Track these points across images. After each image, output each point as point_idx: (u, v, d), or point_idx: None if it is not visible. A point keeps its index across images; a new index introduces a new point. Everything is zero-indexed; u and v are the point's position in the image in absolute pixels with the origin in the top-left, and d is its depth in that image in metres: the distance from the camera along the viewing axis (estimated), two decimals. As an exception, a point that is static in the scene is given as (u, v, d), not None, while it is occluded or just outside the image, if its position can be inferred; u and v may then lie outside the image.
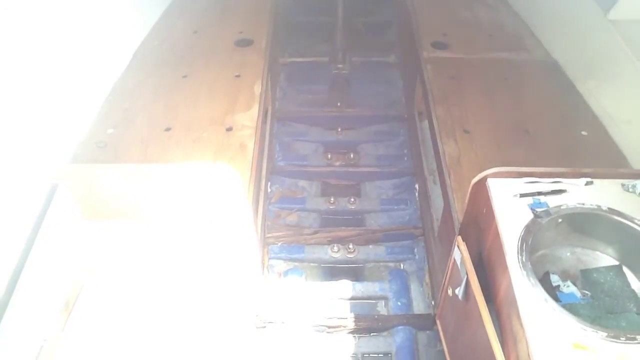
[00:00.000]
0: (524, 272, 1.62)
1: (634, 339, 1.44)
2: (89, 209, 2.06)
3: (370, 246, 2.98)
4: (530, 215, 1.76)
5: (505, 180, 1.87)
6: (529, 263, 1.63)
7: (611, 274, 1.79)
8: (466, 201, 2.02)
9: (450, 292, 2.15)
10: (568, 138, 2.53)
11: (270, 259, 2.91)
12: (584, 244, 1.87)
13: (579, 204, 1.81)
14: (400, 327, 2.56)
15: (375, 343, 2.56)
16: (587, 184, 1.86)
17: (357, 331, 2.58)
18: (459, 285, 1.95)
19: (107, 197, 2.04)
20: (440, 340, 2.42)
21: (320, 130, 3.73)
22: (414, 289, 2.77)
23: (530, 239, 1.70)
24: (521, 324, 1.52)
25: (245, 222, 2.18)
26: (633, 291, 1.73)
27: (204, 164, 2.13)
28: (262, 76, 2.91)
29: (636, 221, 1.74)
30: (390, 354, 2.53)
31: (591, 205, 1.80)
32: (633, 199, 1.81)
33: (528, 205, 1.79)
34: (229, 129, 2.52)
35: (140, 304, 1.88)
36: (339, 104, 3.90)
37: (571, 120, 2.63)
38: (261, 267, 2.76)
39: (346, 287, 2.74)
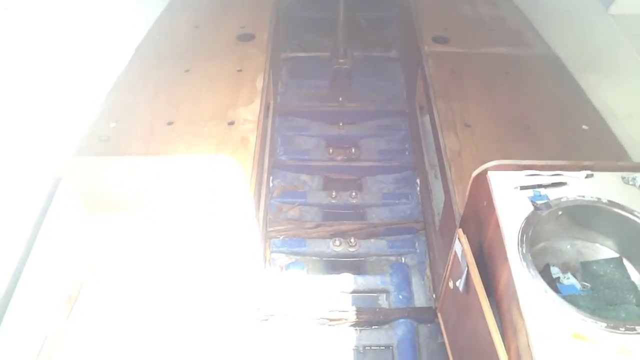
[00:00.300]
0: (524, 264, 1.63)
1: (633, 329, 1.46)
2: (92, 201, 2.08)
3: (372, 240, 2.99)
4: (530, 208, 1.77)
5: (505, 173, 1.88)
6: (529, 255, 1.65)
7: (611, 266, 1.80)
8: (467, 194, 2.03)
9: (451, 284, 2.16)
10: (569, 132, 2.54)
11: (272, 252, 2.92)
12: (584, 236, 1.88)
13: (579, 196, 1.82)
14: (401, 320, 2.58)
15: (377, 336, 2.57)
16: (587, 176, 1.87)
17: (359, 324, 2.59)
18: (460, 277, 1.97)
19: (110, 190, 2.05)
20: (441, 333, 2.44)
21: (321, 125, 3.75)
22: (415, 283, 2.79)
23: (531, 231, 1.71)
24: (521, 315, 1.53)
25: (248, 215, 2.19)
26: (633, 283, 1.74)
27: (207, 156, 2.14)
28: (263, 71, 2.91)
29: (636, 214, 1.75)
30: (392, 346, 2.54)
31: (591, 197, 1.81)
32: (633, 192, 1.82)
33: (528, 197, 1.80)
34: (231, 123, 2.53)
35: (142, 297, 1.89)
36: (340, 99, 3.91)
37: (572, 115, 2.63)
38: (263, 261, 2.78)
39: (348, 281, 2.75)
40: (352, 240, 2.96)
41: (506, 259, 1.66)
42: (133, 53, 3.05)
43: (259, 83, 2.82)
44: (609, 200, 1.79)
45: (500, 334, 1.69)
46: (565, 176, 1.87)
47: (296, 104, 3.88)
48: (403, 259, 2.94)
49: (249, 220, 2.23)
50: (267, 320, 2.57)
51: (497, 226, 1.77)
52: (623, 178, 1.87)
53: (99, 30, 2.64)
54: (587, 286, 1.74)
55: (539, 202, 1.79)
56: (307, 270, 2.83)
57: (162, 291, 1.91)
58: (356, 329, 2.59)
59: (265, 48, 3.13)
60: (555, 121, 2.60)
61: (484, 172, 1.90)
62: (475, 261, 1.91)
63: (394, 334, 2.55)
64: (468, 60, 3.08)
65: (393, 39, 4.46)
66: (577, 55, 2.93)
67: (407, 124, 3.70)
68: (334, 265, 2.94)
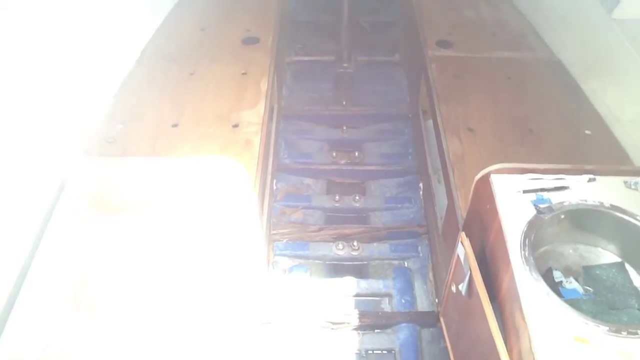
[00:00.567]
0: (527, 267, 1.63)
1: (635, 333, 1.46)
2: (98, 202, 2.09)
3: (375, 244, 3.00)
4: (533, 211, 1.78)
5: (508, 177, 1.89)
6: (532, 258, 1.65)
7: (613, 270, 1.80)
8: (470, 197, 2.03)
9: (453, 288, 2.17)
10: (571, 137, 2.54)
11: (275, 255, 2.93)
12: (586, 240, 1.89)
13: (581, 200, 1.82)
14: (404, 324, 2.58)
15: (379, 340, 2.58)
16: (589, 180, 1.88)
17: (361, 328, 2.60)
18: (463, 281, 1.97)
19: (116, 191, 2.06)
20: (443, 337, 2.44)
21: (325, 129, 3.76)
22: (418, 287, 2.79)
23: (533, 234, 1.72)
24: (523, 318, 1.54)
25: (251, 217, 2.20)
26: (635, 287, 1.74)
27: (211, 157, 2.15)
28: (268, 74, 2.93)
29: (638, 218, 1.76)
30: (394, 350, 2.55)
31: (594, 202, 1.82)
32: (635, 196, 1.83)
33: (531, 201, 1.81)
34: (235, 126, 2.55)
35: (146, 298, 1.89)
36: (344, 103, 3.92)
37: (575, 119, 2.64)
38: (266, 264, 2.78)
39: (350, 284, 2.76)
40: (355, 244, 2.96)
41: (509, 262, 1.67)
42: (139, 55, 3.07)
43: (264, 86, 2.83)
44: (611, 205, 1.80)
45: (503, 337, 1.70)
46: (568, 180, 1.88)
47: (300, 108, 3.89)
48: (406, 263, 2.94)
49: (253, 222, 2.24)
50: (269, 323, 2.57)
51: (500, 229, 1.77)
52: (625, 182, 1.87)
53: (106, 32, 2.66)
54: (589, 290, 1.74)
55: (541, 205, 1.79)
56: (310, 273, 2.84)
57: (166, 292, 1.91)
58: (359, 333, 2.59)
59: (269, 51, 3.14)
60: (558, 125, 2.61)
61: (487, 175, 1.91)
62: (478, 265, 1.91)
63: (396, 338, 2.56)
64: (471, 65, 3.09)
65: (396, 43, 4.48)
66: (580, 59, 2.94)
67: (411, 128, 3.71)
68: (337, 268, 2.94)
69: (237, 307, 1.95)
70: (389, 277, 2.82)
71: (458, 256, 2.04)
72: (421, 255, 2.96)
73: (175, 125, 2.55)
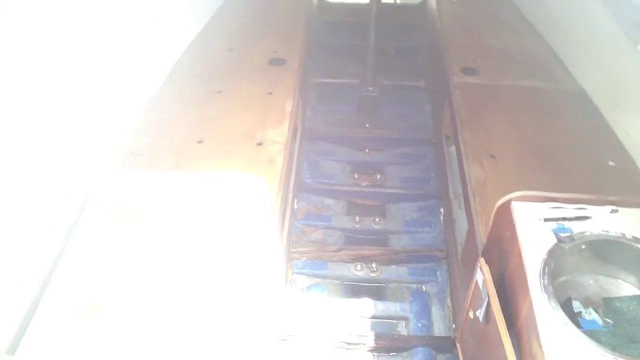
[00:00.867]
0: (545, 296, 1.63)
1: (655, 367, 1.45)
2: (121, 213, 2.14)
3: (393, 266, 3.00)
4: (553, 240, 1.78)
5: (529, 204, 1.89)
6: (551, 287, 1.65)
7: (634, 303, 1.79)
8: (490, 223, 2.04)
9: (471, 314, 2.16)
10: (594, 167, 2.53)
11: (293, 273, 2.94)
12: (607, 272, 1.88)
13: (603, 231, 1.82)
14: (419, 348, 2.56)
15: (394, 363, 2.57)
16: (612, 211, 1.87)
17: (376, 350, 2.59)
18: (480, 307, 1.97)
19: (139, 203, 2.11)
20: (459, 363, 2.43)
21: (348, 150, 3.79)
22: (435, 312, 2.78)
23: (553, 263, 1.72)
24: (540, 347, 1.53)
25: (271, 234, 2.23)
26: (656, 321, 1.73)
27: (235, 173, 2.19)
28: (293, 94, 2.98)
29: (660, 251, 1.75)
30: (409, 374, 2.54)
31: (615, 233, 1.81)
32: (658, 229, 1.82)
33: (552, 229, 1.81)
34: (259, 144, 2.59)
35: (164, 310, 1.91)
36: (367, 125, 3.96)
37: (598, 150, 2.63)
38: (284, 281, 2.80)
39: (367, 306, 2.76)
40: (374, 265, 2.97)
41: (527, 290, 1.67)
42: (168, 73, 3.15)
43: (288, 106, 2.88)
44: (633, 237, 1.79)
45: (519, 366, 1.69)
46: (590, 210, 1.87)
47: (324, 129, 3.93)
48: (424, 287, 2.93)
49: (273, 239, 2.26)
50: (285, 340, 2.58)
51: (520, 257, 1.77)
52: (648, 215, 1.87)
53: (138, 51, 2.74)
54: (609, 322, 1.73)
55: (562, 234, 1.79)
56: (327, 292, 2.84)
57: (184, 305, 1.94)
58: (374, 355, 2.58)
59: (295, 73, 3.20)
60: (581, 155, 2.60)
61: (508, 202, 1.91)
62: (497, 292, 1.91)
63: (411, 362, 2.55)
64: (495, 92, 3.10)
65: (422, 69, 4.51)
66: (605, 90, 2.94)
67: (433, 153, 3.73)
68: (354, 289, 2.94)
69: (254, 322, 1.97)
70: (406, 301, 2.81)
71: (477, 282, 2.04)
72: (440, 279, 2.94)
73: (200, 142, 2.60)
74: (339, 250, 3.06)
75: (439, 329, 2.70)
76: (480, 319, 1.97)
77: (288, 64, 3.30)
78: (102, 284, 1.92)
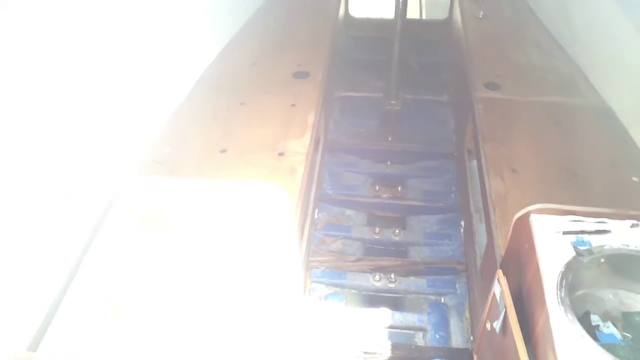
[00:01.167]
0: (562, 308, 1.62)
1: (672, 382, 1.43)
2: (144, 218, 2.19)
3: (412, 278, 3.01)
4: (572, 253, 1.77)
5: (548, 217, 1.89)
6: (568, 299, 1.64)
7: (654, 318, 1.77)
8: (509, 236, 2.04)
9: (488, 326, 2.16)
10: (617, 183, 2.51)
11: (312, 282, 2.97)
12: (627, 286, 1.86)
13: (623, 245, 1.80)
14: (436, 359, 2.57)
15: (411, 373, 2.57)
16: (632, 226, 1.86)
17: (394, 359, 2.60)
18: (498, 319, 1.96)
19: (162, 209, 2.16)
20: (476, 376, 2.41)
21: (369, 163, 3.82)
22: (454, 324, 2.77)
23: (571, 275, 1.71)
24: (556, 359, 1.53)
25: (291, 243, 2.26)
26: (676, 337, 1.71)
27: (256, 181, 2.23)
28: (316, 106, 3.02)
29: (681, 266, 1.73)
30: (426, 385, 2.54)
31: (636, 247, 1.80)
32: (679, 244, 1.80)
33: (570, 242, 1.80)
34: (281, 154, 2.63)
35: (182, 314, 1.94)
36: (389, 139, 3.98)
37: (622, 166, 2.61)
38: (303, 289, 2.83)
39: (385, 316, 2.77)
40: (392, 276, 2.97)
41: (544, 302, 1.66)
42: (193, 85, 3.22)
43: (311, 118, 2.91)
44: (653, 252, 1.78)
45: (536, 378, 1.68)
46: (610, 224, 1.86)
47: (346, 141, 3.97)
48: (442, 299, 2.93)
49: (292, 247, 2.29)
50: (303, 348, 2.60)
51: (537, 269, 1.77)
52: (669, 230, 1.85)
53: (165, 64, 2.82)
54: (627, 337, 1.71)
55: (581, 248, 1.78)
56: (345, 302, 2.86)
57: (202, 310, 1.96)
58: (391, 365, 2.59)
59: (319, 86, 3.24)
60: (604, 171, 2.59)
61: (527, 214, 1.91)
62: (514, 304, 1.90)
63: (428, 373, 2.55)
64: (519, 108, 3.10)
65: (445, 84, 4.53)
66: (631, 107, 2.92)
67: (455, 167, 3.73)
68: (373, 299, 2.96)
69: (271, 328, 1.99)
70: (425, 312, 2.81)
71: (494, 293, 2.04)
72: (458, 292, 2.94)
73: (223, 151, 2.65)
74: (358, 260, 3.07)
75: (457, 341, 2.70)
76: (497, 330, 1.96)
77: (312, 77, 3.34)
78: (123, 285, 1.96)
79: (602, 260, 1.79)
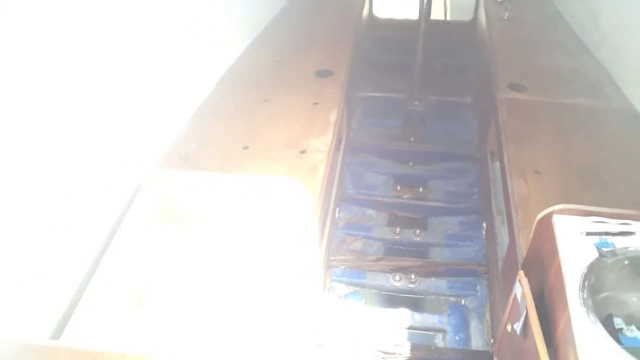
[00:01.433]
0: (584, 310, 1.60)
1: (696, 388, 1.40)
2: (167, 210, 2.22)
3: (432, 279, 2.99)
4: (595, 254, 1.75)
5: (571, 218, 1.86)
6: (590, 300, 1.62)
7: (679, 322, 1.74)
8: (531, 236, 2.02)
9: (509, 328, 2.14)
10: (644, 187, 2.48)
11: (331, 280, 2.97)
12: (651, 289, 1.83)
13: (648, 247, 1.78)
14: (456, 362, 2.55)
15: (430, 374, 2.56)
16: (658, 228, 1.83)
17: (412, 360, 2.59)
18: (518, 320, 1.95)
19: (185, 202, 2.19)
20: (496, 379, 2.39)
21: (391, 163, 3.82)
22: (474, 326, 2.75)
23: (594, 277, 1.69)
24: (577, 360, 1.51)
25: (311, 240, 2.27)
26: (701, 342, 1.67)
27: (278, 177, 2.24)
28: (338, 105, 3.03)
29: None
30: (445, 387, 2.52)
31: (661, 250, 1.77)
32: None
33: (594, 244, 1.78)
34: (303, 152, 2.64)
35: (202, 306, 1.96)
36: (412, 139, 3.98)
37: (649, 170, 2.57)
38: (322, 288, 2.83)
39: (405, 316, 2.76)
40: (413, 276, 2.96)
41: (566, 304, 1.64)
42: (217, 82, 3.25)
43: (333, 117, 2.92)
44: (679, 254, 1.75)
45: (556, 381, 1.66)
46: (634, 226, 1.83)
47: (368, 141, 3.97)
48: (463, 301, 2.91)
49: (312, 245, 2.30)
50: (321, 346, 2.60)
51: (559, 270, 1.75)
52: (696, 233, 1.81)
53: (190, 61, 2.86)
54: (651, 341, 1.69)
55: (604, 249, 1.76)
56: (365, 301, 2.85)
57: (221, 303, 1.98)
58: (409, 365, 2.58)
59: (341, 85, 3.25)
60: (629, 175, 2.55)
61: (550, 215, 1.89)
62: (536, 306, 1.88)
63: (447, 375, 2.53)
64: (543, 109, 3.07)
65: (469, 85, 4.51)
66: (659, 110, 2.88)
67: (477, 169, 3.71)
68: (392, 299, 2.94)
69: (290, 326, 2.00)
70: (444, 313, 2.79)
71: (515, 295, 2.02)
72: (479, 294, 2.91)
73: (245, 148, 2.67)
74: (378, 260, 3.07)
75: (477, 343, 2.67)
76: (518, 332, 1.94)
77: (335, 75, 3.35)
78: (145, 276, 1.99)
79: (626, 262, 1.76)
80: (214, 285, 2.02)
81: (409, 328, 2.73)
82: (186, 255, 2.13)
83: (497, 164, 3.04)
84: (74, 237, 1.92)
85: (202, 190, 2.19)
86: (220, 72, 3.33)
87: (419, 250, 3.22)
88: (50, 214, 1.80)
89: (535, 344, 1.78)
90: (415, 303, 2.93)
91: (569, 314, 1.62)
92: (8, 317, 1.63)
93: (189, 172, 2.27)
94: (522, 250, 2.18)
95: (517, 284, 1.98)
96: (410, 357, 2.57)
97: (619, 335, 1.68)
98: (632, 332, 1.70)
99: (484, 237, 3.22)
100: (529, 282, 1.96)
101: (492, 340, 2.63)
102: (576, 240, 1.80)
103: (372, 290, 2.97)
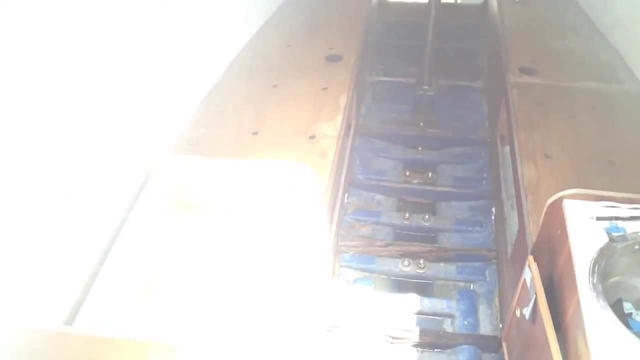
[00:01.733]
0: (594, 294, 1.60)
1: None
2: (177, 196, 2.23)
3: (441, 264, 2.98)
4: (605, 239, 1.74)
5: (582, 203, 1.85)
6: (600, 285, 1.61)
7: (690, 307, 1.73)
8: (541, 221, 2.01)
9: (518, 312, 2.14)
10: (656, 172, 2.45)
11: (340, 266, 2.98)
12: (662, 275, 1.82)
13: (659, 232, 1.76)
14: (464, 346, 2.55)
15: (439, 359, 2.56)
16: (669, 213, 1.81)
17: (421, 345, 2.59)
18: (528, 305, 1.94)
19: (195, 187, 2.20)
20: (505, 363, 2.40)
21: (401, 148, 3.80)
22: (482, 311, 2.75)
23: (604, 262, 1.68)
24: (587, 346, 1.50)
25: (320, 225, 2.27)
26: None
27: (287, 163, 2.25)
28: (348, 90, 3.02)
29: None
30: (453, 372, 2.53)
31: (672, 235, 1.76)
32: None
33: (604, 228, 1.77)
34: (312, 137, 2.64)
35: (212, 291, 1.98)
36: (421, 124, 3.95)
37: (661, 154, 2.55)
38: (331, 273, 2.84)
39: (413, 301, 2.76)
40: (422, 262, 2.96)
41: (575, 288, 1.64)
42: (227, 67, 3.25)
43: (342, 102, 2.92)
44: (690, 239, 1.73)
45: (565, 365, 1.66)
46: (646, 211, 1.82)
47: (377, 126, 3.95)
48: (472, 286, 2.90)
49: (321, 231, 2.31)
50: (331, 330, 2.62)
51: (569, 254, 1.74)
52: None
53: (199, 46, 2.85)
54: (661, 326, 1.68)
55: (614, 234, 1.75)
56: (374, 286, 2.86)
57: (232, 288, 2.00)
58: (418, 350, 2.59)
59: (351, 69, 3.24)
60: None
61: (560, 199, 1.88)
62: (545, 291, 1.88)
63: (456, 359, 2.53)
64: (554, 93, 3.04)
65: (479, 69, 4.46)
66: (671, 93, 2.84)
67: (487, 154, 3.68)
68: (401, 285, 2.95)
69: (300, 311, 2.01)
70: (453, 298, 2.79)
71: (524, 280, 2.01)
72: (488, 279, 2.91)
73: (255, 133, 2.68)
74: (387, 245, 3.06)
75: (486, 328, 2.68)
76: (527, 317, 1.94)
77: (344, 60, 3.34)
78: (156, 261, 2.01)
79: (637, 247, 1.75)
80: (224, 271, 2.04)
81: (418, 313, 2.73)
82: (196, 242, 2.14)
83: (507, 148, 3.02)
84: (85, 224, 1.94)
85: (211, 175, 2.20)
86: (229, 57, 3.33)
87: (428, 236, 3.22)
88: (63, 202, 1.82)
89: (544, 328, 1.78)
90: (424, 288, 2.93)
91: (578, 299, 1.61)
92: (23, 304, 1.66)
93: (198, 157, 2.28)
94: (531, 236, 2.17)
95: (527, 269, 1.98)
96: (419, 342, 2.58)
97: (629, 319, 1.68)
98: (641, 317, 1.69)
99: (493, 222, 3.20)
100: (538, 267, 1.95)
101: (500, 326, 2.64)
102: (586, 225, 1.79)
103: (381, 276, 2.97)
